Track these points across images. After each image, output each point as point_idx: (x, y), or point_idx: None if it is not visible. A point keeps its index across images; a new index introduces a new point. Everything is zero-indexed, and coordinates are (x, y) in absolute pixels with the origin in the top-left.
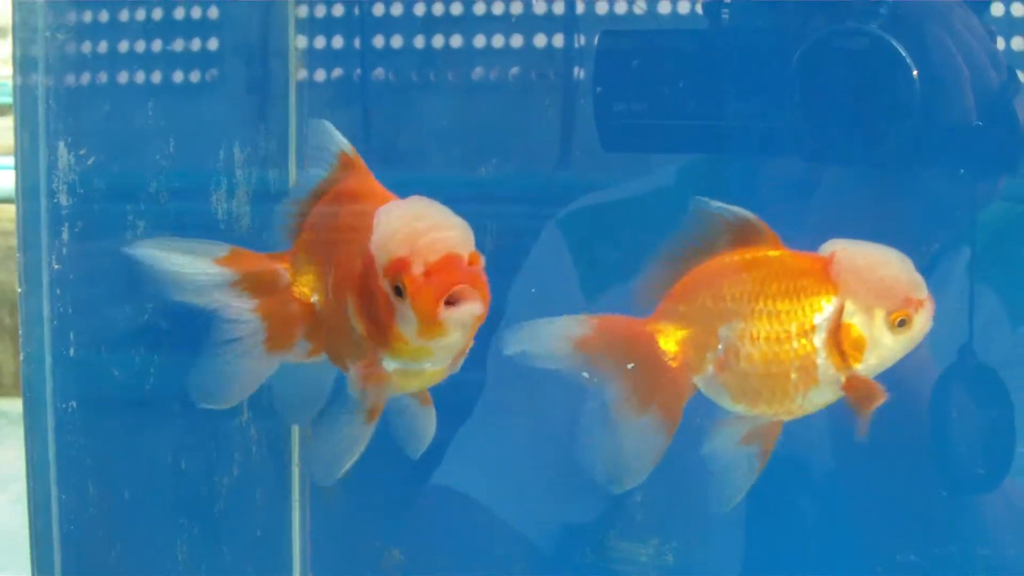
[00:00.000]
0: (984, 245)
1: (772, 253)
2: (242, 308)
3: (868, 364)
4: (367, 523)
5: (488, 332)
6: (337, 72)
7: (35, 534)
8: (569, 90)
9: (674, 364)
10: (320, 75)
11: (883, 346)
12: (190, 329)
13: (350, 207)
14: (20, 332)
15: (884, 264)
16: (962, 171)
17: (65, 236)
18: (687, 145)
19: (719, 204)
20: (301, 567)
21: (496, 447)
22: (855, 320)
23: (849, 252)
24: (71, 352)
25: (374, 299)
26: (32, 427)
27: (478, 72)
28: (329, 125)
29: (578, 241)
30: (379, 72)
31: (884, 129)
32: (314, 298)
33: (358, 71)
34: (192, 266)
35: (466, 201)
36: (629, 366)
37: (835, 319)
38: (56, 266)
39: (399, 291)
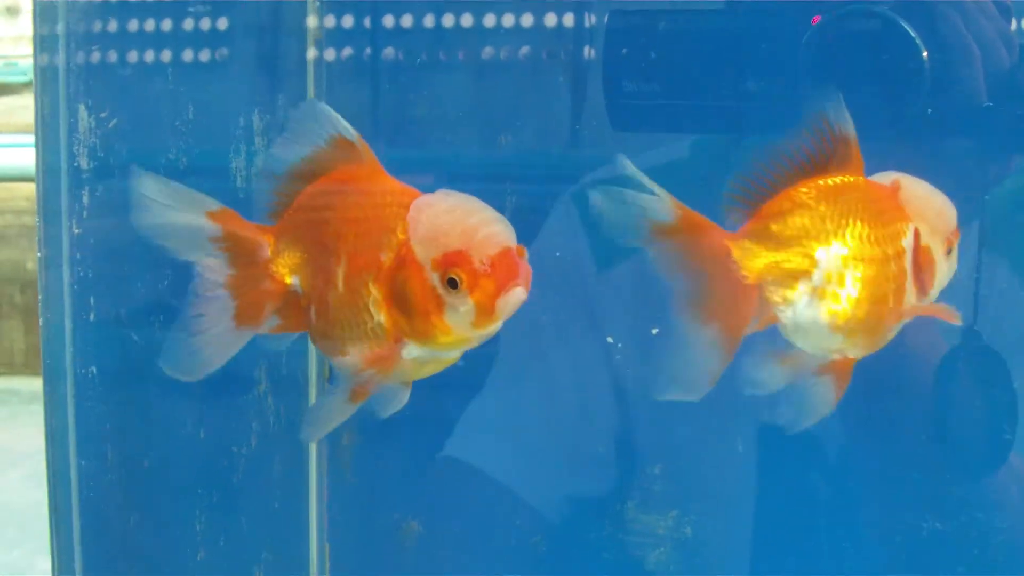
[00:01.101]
0: (994, 219)
1: (856, 179)
2: (215, 271)
3: (934, 291)
4: (384, 495)
5: None
6: (347, 51)
7: (54, 503)
8: (579, 69)
9: (748, 282)
10: (331, 54)
11: (942, 273)
12: None
13: (363, 197)
14: (40, 299)
15: (936, 194)
16: (973, 153)
17: (86, 203)
18: (696, 126)
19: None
20: (318, 538)
21: (513, 420)
22: (930, 245)
23: (910, 181)
24: (91, 318)
25: (409, 291)
26: (52, 396)
27: (488, 51)
28: (327, 107)
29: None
30: (389, 52)
31: (895, 110)
32: (293, 279)
33: (368, 51)
34: (181, 208)
35: (477, 180)
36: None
37: (916, 244)
38: (76, 231)
39: (452, 283)
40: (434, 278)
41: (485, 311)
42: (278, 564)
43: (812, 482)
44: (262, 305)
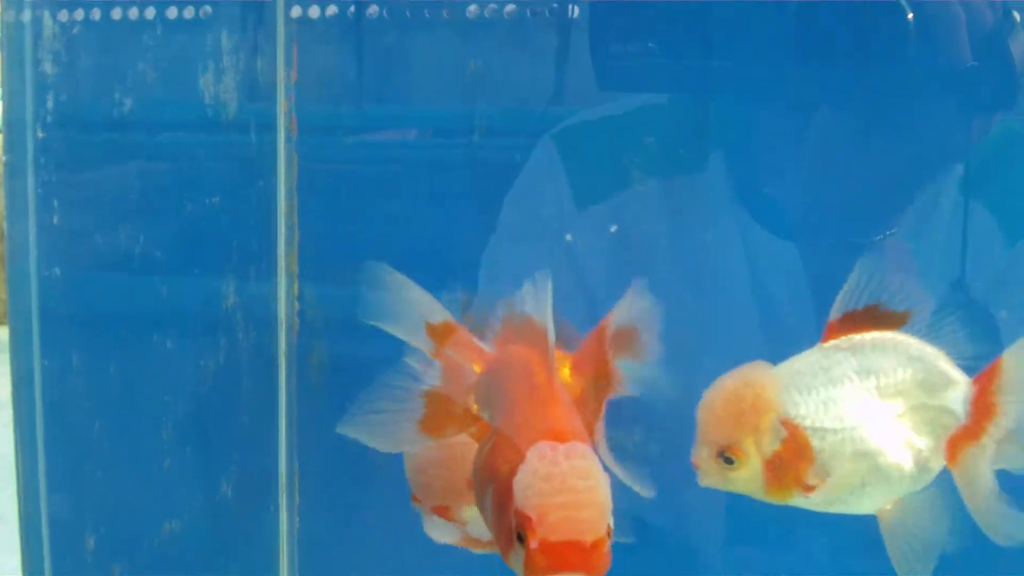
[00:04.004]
0: (979, 166)
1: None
2: (419, 376)
3: None
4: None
5: None
6: (332, 10)
7: (18, 410)
8: (564, 28)
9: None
10: (315, 12)
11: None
12: (177, 251)
13: (523, 399)
14: (5, 251)
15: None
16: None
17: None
18: (682, 86)
19: None
20: (287, 455)
21: None
22: None
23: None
24: (54, 221)
25: (501, 515)
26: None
27: (473, 10)
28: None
29: (573, 155)
30: (373, 9)
31: (879, 71)
32: (485, 416)
33: (352, 9)
34: (403, 314)
35: (460, 134)
36: None
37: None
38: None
39: (520, 538)
40: (513, 521)
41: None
42: (246, 478)
43: None
44: (446, 426)
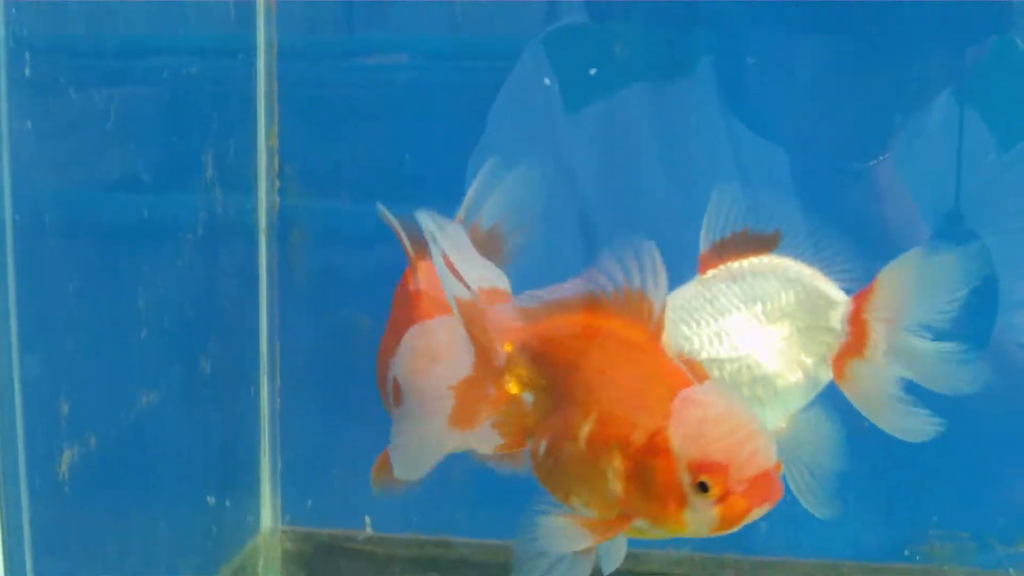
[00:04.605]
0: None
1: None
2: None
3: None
4: (336, 293)
5: None
6: None
7: None
8: None
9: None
10: None
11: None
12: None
13: (631, 363)
14: None
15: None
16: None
17: None
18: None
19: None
20: (268, 335)
21: None
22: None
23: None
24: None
25: (654, 476)
26: None
27: None
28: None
29: (561, 58)
30: None
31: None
32: (524, 397)
33: None
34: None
35: (446, 58)
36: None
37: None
38: None
39: (703, 487)
40: (685, 476)
41: (727, 523)
42: (226, 354)
43: None
44: (478, 411)
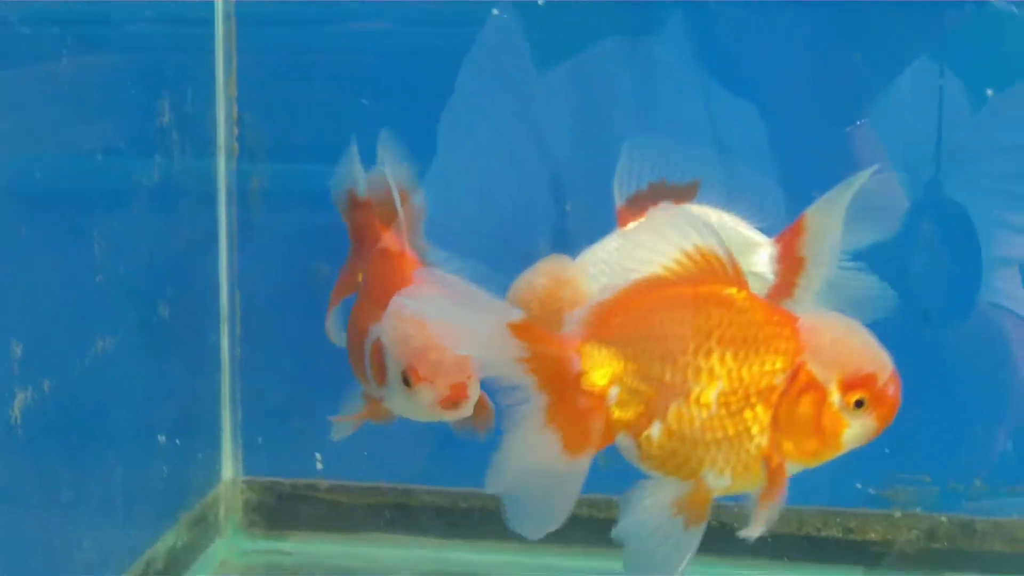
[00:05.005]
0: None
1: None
2: (532, 401)
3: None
4: (294, 239)
5: None
6: None
7: None
8: None
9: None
10: None
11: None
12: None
13: (732, 314)
14: None
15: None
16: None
17: None
18: None
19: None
20: (228, 282)
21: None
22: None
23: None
24: None
25: (811, 413)
26: None
27: None
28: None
29: (532, 23)
30: None
31: None
32: (611, 392)
33: None
34: (480, 327)
35: (431, 24)
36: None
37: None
38: None
39: (859, 404)
40: (837, 400)
41: (880, 427)
42: (184, 302)
43: None
44: (589, 426)
